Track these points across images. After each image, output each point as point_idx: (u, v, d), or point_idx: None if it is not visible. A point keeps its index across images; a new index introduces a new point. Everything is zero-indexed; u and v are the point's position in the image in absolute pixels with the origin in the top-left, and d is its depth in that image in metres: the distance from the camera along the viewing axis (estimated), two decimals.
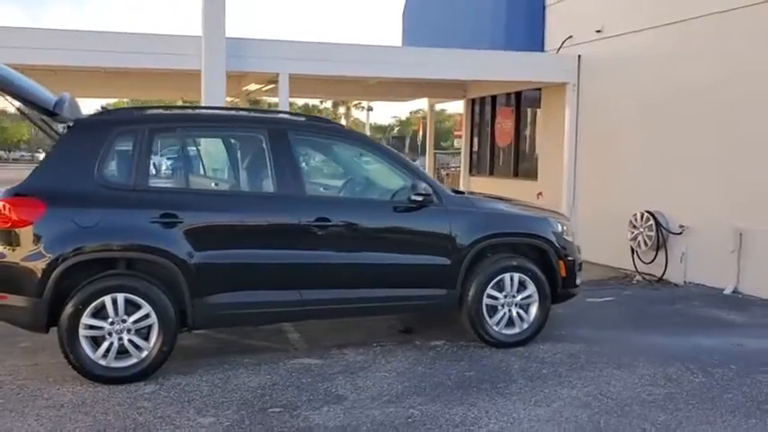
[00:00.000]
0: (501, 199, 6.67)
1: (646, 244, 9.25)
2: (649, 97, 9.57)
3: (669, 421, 4.35)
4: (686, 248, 8.84)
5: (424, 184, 5.55)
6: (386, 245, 5.58)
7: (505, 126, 13.20)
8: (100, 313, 4.81)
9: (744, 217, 8.10)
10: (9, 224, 4.75)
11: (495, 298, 5.82)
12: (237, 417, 4.36)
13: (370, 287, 5.50)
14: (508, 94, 13.21)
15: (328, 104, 51.08)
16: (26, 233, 4.75)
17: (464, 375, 5.21)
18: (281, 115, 5.60)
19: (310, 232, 5.29)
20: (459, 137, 20.73)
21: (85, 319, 4.78)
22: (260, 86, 11.26)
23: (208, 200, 5.24)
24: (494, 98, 13.56)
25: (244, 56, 8.97)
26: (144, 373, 4.92)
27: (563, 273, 6.04)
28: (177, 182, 5.26)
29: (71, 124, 5.03)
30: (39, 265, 4.73)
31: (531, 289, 5.90)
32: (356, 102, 47.39)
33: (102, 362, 4.84)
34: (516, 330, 5.91)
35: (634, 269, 9.47)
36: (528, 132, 12.70)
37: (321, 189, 5.69)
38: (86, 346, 4.80)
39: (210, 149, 5.68)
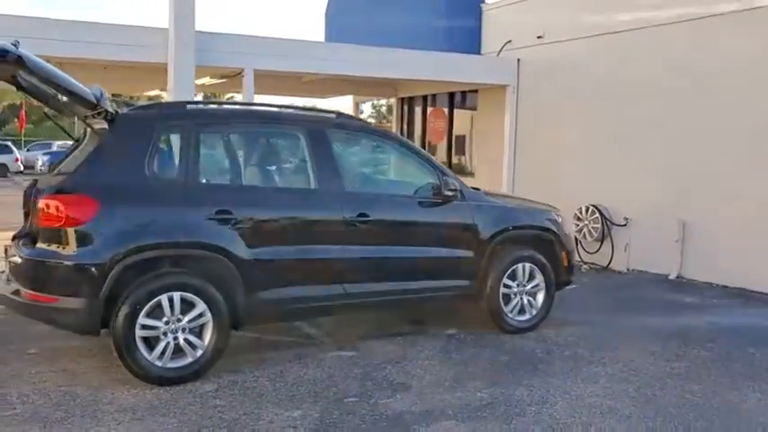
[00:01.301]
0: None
1: (591, 235, 10.02)
2: (589, 98, 10.34)
3: (704, 390, 4.91)
4: (630, 239, 9.67)
5: (453, 180, 5.82)
6: (419, 238, 5.80)
7: (438, 125, 13.68)
8: (153, 313, 4.69)
9: (684, 209, 8.99)
10: (62, 223, 4.53)
11: (509, 287, 6.20)
12: (321, 408, 4.43)
13: (405, 280, 5.69)
14: (433, 95, 13.72)
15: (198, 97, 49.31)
16: (80, 232, 4.54)
17: (500, 360, 5.54)
18: (319, 113, 5.65)
19: (352, 227, 5.40)
20: None
21: (142, 320, 4.64)
22: (212, 81, 11.01)
23: (258, 196, 5.21)
24: (425, 97, 13.99)
25: (210, 50, 8.80)
26: (198, 373, 4.85)
27: (565, 262, 6.52)
28: (226, 178, 5.17)
29: (112, 118, 4.85)
30: (95, 265, 4.53)
31: (539, 278, 6.34)
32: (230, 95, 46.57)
33: (159, 363, 4.72)
34: (527, 317, 6.32)
35: (579, 259, 10.21)
36: (462, 131, 13.24)
37: (357, 185, 5.79)
38: (142, 348, 4.67)
39: (255, 146, 5.62)
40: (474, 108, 12.84)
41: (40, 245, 4.64)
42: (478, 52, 12.19)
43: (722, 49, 8.59)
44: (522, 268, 6.25)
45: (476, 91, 12.55)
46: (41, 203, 4.59)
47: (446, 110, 13.47)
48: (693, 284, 8.75)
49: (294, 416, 4.31)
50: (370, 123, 6.03)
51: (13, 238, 5.63)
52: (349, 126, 5.79)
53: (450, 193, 5.76)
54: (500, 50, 11.68)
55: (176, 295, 4.73)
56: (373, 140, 5.85)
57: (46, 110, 5.74)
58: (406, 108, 14.77)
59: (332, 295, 5.38)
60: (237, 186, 5.14)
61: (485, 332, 6.24)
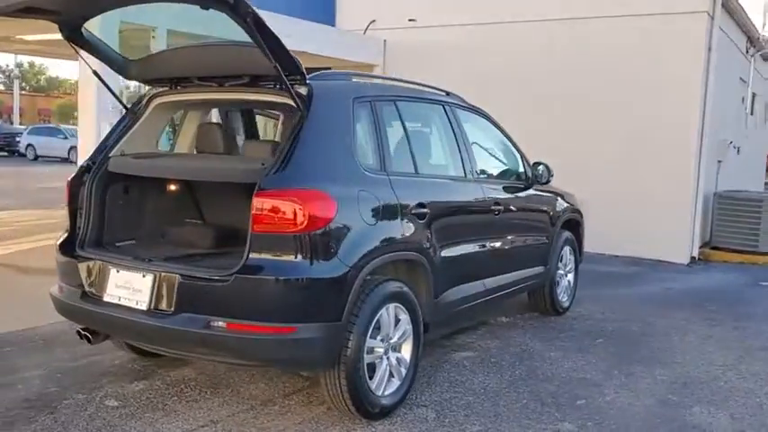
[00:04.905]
0: None
1: None
2: (461, 85, 10.70)
3: None
4: None
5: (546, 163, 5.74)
6: (526, 226, 5.62)
7: None
8: (372, 332, 3.80)
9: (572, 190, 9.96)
10: (302, 227, 3.37)
11: (559, 269, 6.32)
12: (571, 420, 4.10)
13: (515, 270, 5.45)
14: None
15: None
16: (322, 237, 3.44)
17: (599, 342, 5.64)
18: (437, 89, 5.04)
19: (492, 217, 5.01)
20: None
21: (368, 341, 3.74)
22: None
23: (438, 186, 4.48)
24: None
25: None
26: (405, 397, 4.08)
27: (582, 242, 6.86)
28: (408, 166, 4.26)
29: (307, 93, 3.75)
30: (341, 279, 3.50)
31: (572, 259, 6.58)
32: None
33: (378, 392, 3.86)
34: (566, 297, 6.53)
35: None
36: None
37: (487, 171, 5.28)
38: (367, 377, 3.76)
39: (420, 128, 4.72)
40: None
41: (258, 255, 3.39)
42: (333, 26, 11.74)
43: (591, 51, 9.71)
44: (567, 251, 6.41)
45: (327, 69, 12.03)
46: (265, 204, 3.37)
47: None
48: (588, 255, 9.76)
49: (565, 428, 3.93)
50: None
51: (66, 248, 4.04)
52: (467, 107, 5.28)
53: (551, 179, 5.68)
54: (366, 29, 11.43)
55: (392, 307, 3.90)
56: (479, 121, 5.40)
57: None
58: None
59: (478, 293, 4.92)
60: (420, 175, 4.36)
61: (530, 316, 6.30)
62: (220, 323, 3.38)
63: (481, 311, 5.56)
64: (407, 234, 4.03)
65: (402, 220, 3.99)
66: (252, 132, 5.35)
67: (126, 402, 4.02)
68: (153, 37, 7.59)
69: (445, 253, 4.39)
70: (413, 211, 4.09)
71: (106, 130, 6.48)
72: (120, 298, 3.67)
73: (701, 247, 9.87)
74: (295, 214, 3.37)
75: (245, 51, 3.66)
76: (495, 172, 5.45)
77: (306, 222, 3.38)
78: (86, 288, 3.85)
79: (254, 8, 3.28)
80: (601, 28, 9.61)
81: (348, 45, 11.09)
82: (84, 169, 4.15)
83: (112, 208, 4.18)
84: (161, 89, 4.31)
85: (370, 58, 11.21)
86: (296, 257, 3.40)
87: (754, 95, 14.17)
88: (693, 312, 6.73)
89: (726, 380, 4.82)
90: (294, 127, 3.66)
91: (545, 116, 10.05)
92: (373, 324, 3.74)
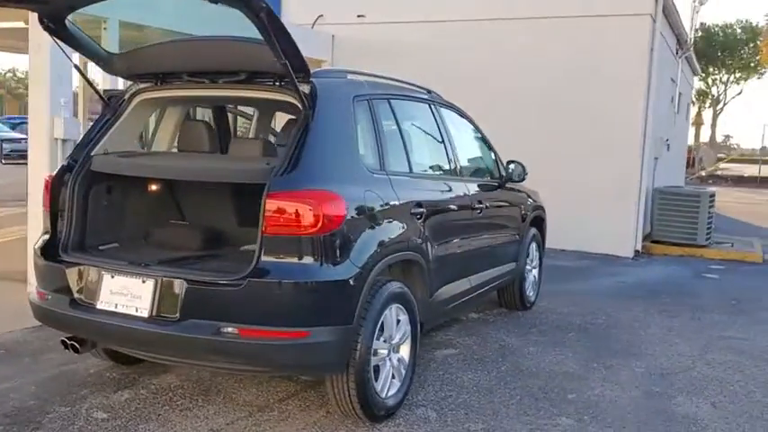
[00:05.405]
0: None
1: None
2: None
3: (743, 320, 6.03)
4: None
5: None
6: (502, 223, 5.68)
7: None
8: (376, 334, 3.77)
9: None
10: (316, 228, 3.29)
11: (527, 265, 6.44)
12: (567, 414, 4.18)
13: (495, 266, 5.52)
14: None
15: None
16: (333, 239, 3.36)
17: (571, 335, 5.79)
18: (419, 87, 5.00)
19: (476, 215, 5.05)
20: None
21: (375, 343, 3.70)
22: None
23: (432, 185, 4.46)
24: None
25: None
26: (404, 399, 4.06)
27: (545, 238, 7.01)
28: (403, 165, 4.20)
29: (310, 91, 3.66)
30: (352, 281, 3.44)
31: (537, 255, 6.71)
32: None
33: (383, 394, 3.83)
34: (532, 292, 6.66)
35: None
36: None
37: (470, 169, 5.29)
38: (374, 379, 3.73)
39: (412, 126, 4.62)
40: None
41: (270, 258, 3.28)
42: None
43: (542, 51, 9.91)
44: (533, 247, 6.53)
45: None
46: (278, 205, 3.26)
47: None
48: None
49: (563, 423, 4.01)
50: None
51: (48, 252, 3.82)
52: (447, 105, 5.28)
53: (526, 177, 5.75)
54: (314, 23, 11.28)
55: (394, 308, 3.87)
56: (459, 119, 5.39)
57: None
58: None
59: (467, 290, 4.97)
60: (414, 174, 4.33)
61: (499, 311, 6.40)
62: (231, 329, 3.27)
63: (465, 309, 5.59)
64: (408, 234, 4.01)
65: (403, 219, 3.97)
66: (227, 130, 5.19)
67: (115, 414, 3.84)
68: (104, 28, 7.23)
69: (438, 252, 4.39)
70: (411, 211, 4.07)
71: (60, 125, 6.22)
72: (116, 305, 3.49)
73: (642, 241, 10.26)
74: (309, 216, 3.29)
75: (244, 47, 3.57)
76: (475, 170, 5.49)
77: (320, 224, 3.31)
78: (75, 295, 3.64)
79: (267, 4, 3.17)
80: (551, 28, 9.82)
81: (295, 39, 10.88)
82: (66, 168, 3.92)
83: (96, 209, 3.98)
84: (144, 85, 4.11)
85: (319, 54, 11.05)
86: (309, 260, 3.32)
87: (680, 95, 14.86)
88: (650, 305, 6.98)
89: (698, 370, 5.03)
90: (299, 126, 3.57)
91: (495, 114, 10.12)
92: (378, 326, 3.71)
